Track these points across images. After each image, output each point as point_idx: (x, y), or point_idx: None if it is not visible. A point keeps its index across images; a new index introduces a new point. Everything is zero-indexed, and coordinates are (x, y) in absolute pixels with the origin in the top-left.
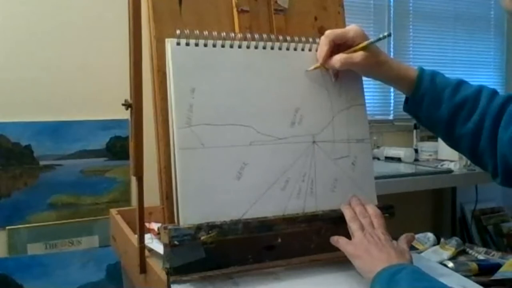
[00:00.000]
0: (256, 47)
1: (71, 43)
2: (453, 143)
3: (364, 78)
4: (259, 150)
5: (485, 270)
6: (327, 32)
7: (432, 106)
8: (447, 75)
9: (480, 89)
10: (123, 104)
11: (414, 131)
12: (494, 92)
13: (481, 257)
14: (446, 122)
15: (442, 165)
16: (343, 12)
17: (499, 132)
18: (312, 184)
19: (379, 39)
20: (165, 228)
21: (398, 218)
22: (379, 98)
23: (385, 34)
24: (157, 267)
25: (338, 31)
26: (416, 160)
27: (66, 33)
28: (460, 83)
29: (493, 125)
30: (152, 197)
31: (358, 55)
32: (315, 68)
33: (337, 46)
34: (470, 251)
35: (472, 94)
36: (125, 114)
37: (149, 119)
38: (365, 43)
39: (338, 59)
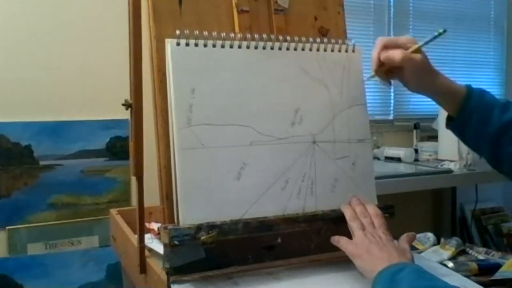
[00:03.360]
0: (256, 47)
1: (71, 43)
2: (498, 163)
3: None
4: (259, 150)
5: (485, 270)
6: (380, 38)
7: (480, 124)
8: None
9: None
10: (123, 104)
11: (414, 131)
12: None
13: (481, 257)
14: (493, 140)
15: (442, 165)
16: (343, 12)
17: None
18: (312, 184)
19: (434, 38)
20: (165, 228)
21: (398, 218)
22: (379, 98)
23: (440, 31)
24: (157, 267)
25: (389, 38)
26: (416, 160)
27: (66, 33)
28: (509, 103)
29: None
30: (152, 197)
31: (418, 56)
32: (370, 78)
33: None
34: (470, 251)
35: None
36: (125, 114)
37: (149, 119)
38: (422, 42)
39: (398, 53)
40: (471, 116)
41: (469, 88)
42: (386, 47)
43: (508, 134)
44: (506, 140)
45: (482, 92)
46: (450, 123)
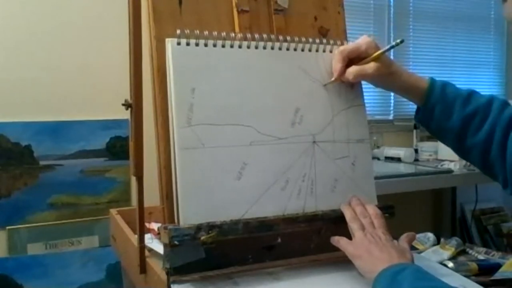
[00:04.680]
0: (256, 47)
1: (71, 43)
2: (463, 154)
3: None
4: (259, 150)
5: (485, 270)
6: (341, 48)
7: (443, 116)
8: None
9: (491, 99)
10: (123, 104)
11: (414, 131)
12: (505, 103)
13: (481, 257)
14: (456, 132)
15: (442, 165)
16: (343, 12)
17: (508, 144)
18: (312, 184)
19: (391, 47)
20: (165, 228)
21: (398, 218)
22: (379, 98)
23: (398, 41)
24: (157, 267)
25: (350, 46)
26: (416, 160)
27: (66, 33)
28: (471, 94)
29: (503, 136)
30: (152, 197)
31: (371, 67)
32: (331, 83)
33: (351, 60)
34: (470, 251)
35: (483, 105)
36: (125, 114)
37: (149, 119)
38: (376, 53)
39: (351, 71)
40: (434, 110)
41: (431, 81)
42: (348, 57)
43: (471, 125)
44: (469, 133)
45: (444, 85)
46: (416, 116)
